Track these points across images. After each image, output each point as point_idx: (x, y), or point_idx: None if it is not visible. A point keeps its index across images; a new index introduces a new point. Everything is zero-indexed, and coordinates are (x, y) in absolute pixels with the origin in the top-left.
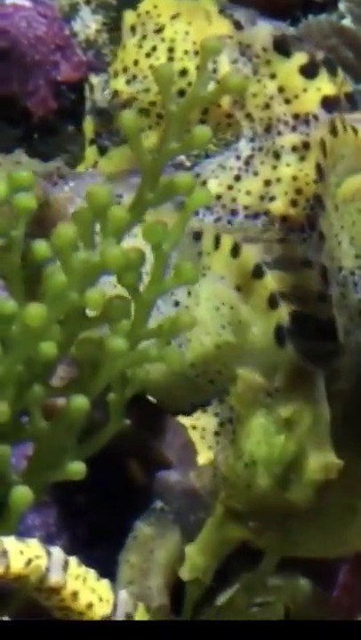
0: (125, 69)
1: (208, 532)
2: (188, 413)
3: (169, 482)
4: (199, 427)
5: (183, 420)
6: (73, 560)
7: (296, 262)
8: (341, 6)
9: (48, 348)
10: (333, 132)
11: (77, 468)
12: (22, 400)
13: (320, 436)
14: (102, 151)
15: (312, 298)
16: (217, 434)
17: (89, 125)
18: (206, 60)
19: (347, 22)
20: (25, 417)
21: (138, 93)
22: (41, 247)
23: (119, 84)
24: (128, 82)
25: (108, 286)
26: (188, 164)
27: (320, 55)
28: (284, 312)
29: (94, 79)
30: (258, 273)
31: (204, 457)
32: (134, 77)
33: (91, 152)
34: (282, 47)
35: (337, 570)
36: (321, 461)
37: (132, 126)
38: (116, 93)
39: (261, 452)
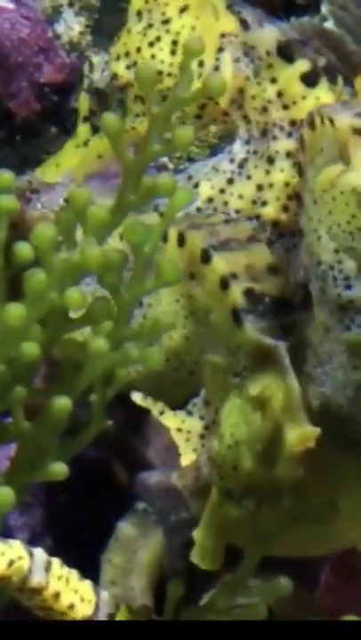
0: (127, 54)
1: (209, 515)
2: (181, 407)
3: (150, 483)
4: (184, 429)
5: (168, 422)
6: (55, 561)
7: (243, 241)
8: (324, 9)
9: (30, 348)
10: (312, 125)
11: (60, 469)
12: (5, 401)
13: (293, 409)
14: (95, 130)
15: (262, 273)
16: (202, 437)
17: (84, 102)
18: (189, 61)
19: (329, 25)
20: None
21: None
22: (24, 249)
23: (119, 67)
24: (128, 67)
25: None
26: (170, 165)
27: (322, 62)
28: (237, 293)
29: (95, 58)
30: (205, 258)
31: (186, 459)
32: (135, 64)
33: (83, 129)
34: (285, 53)
35: (319, 570)
36: (298, 433)
37: (114, 128)
38: (115, 76)
39: (241, 432)
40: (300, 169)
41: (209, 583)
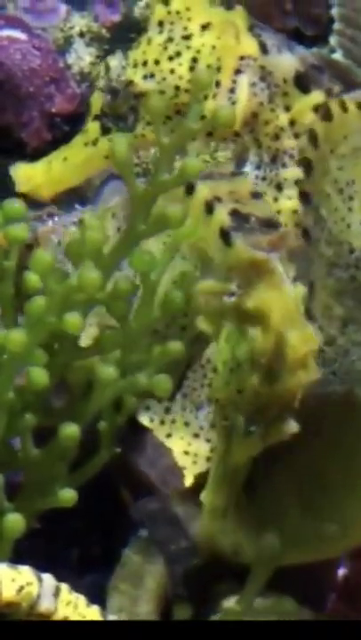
0: (145, 63)
1: (216, 469)
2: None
3: (151, 510)
4: (191, 452)
5: (175, 445)
6: (64, 587)
7: (226, 175)
8: (332, 40)
9: (38, 375)
10: (327, 117)
11: (68, 496)
12: (14, 428)
13: (292, 315)
14: (104, 130)
15: (246, 198)
16: (209, 459)
17: (97, 101)
18: (198, 94)
19: (337, 56)
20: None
21: (150, 92)
22: (33, 277)
23: (136, 75)
24: (145, 77)
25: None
26: None
27: (337, 90)
28: (223, 214)
29: (112, 61)
30: (189, 189)
31: (189, 480)
32: (152, 75)
33: (93, 127)
34: (302, 82)
35: (326, 594)
36: (299, 335)
37: (124, 159)
38: (130, 82)
39: (242, 351)
40: (307, 166)
41: (214, 606)
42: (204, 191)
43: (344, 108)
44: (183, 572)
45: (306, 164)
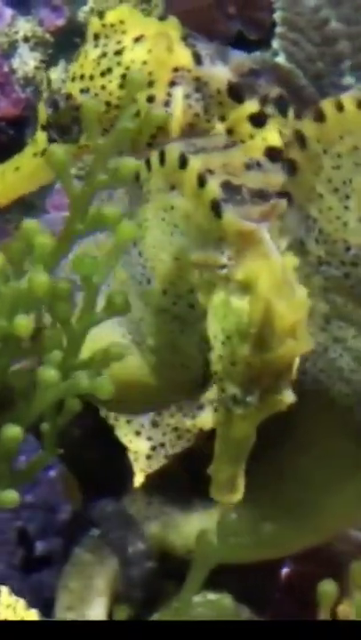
0: (82, 77)
1: (220, 444)
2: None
3: (107, 511)
4: (132, 450)
5: (126, 441)
6: (4, 589)
7: (219, 148)
8: (275, 44)
9: None
10: (319, 118)
11: (11, 497)
12: None
13: (279, 284)
14: (51, 142)
15: (239, 170)
16: (149, 457)
17: (42, 112)
18: (132, 92)
19: (280, 60)
20: None
21: None
22: None
23: (75, 88)
24: (82, 90)
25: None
26: None
27: (274, 93)
28: (214, 185)
29: (53, 74)
30: (182, 163)
31: (137, 480)
32: (87, 90)
33: (41, 137)
34: (235, 93)
35: (268, 593)
36: (286, 305)
37: (59, 161)
38: (70, 95)
39: (230, 323)
40: (291, 167)
41: (154, 605)
42: (197, 164)
43: (340, 108)
44: (140, 576)
45: (290, 165)
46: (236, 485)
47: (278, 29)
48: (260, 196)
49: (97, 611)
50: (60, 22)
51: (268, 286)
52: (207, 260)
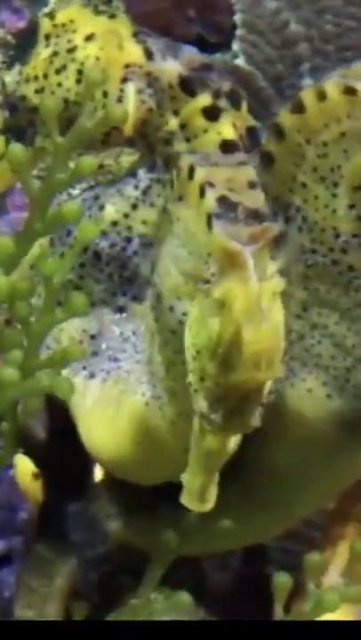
0: (36, 78)
1: (193, 451)
2: None
3: (69, 511)
4: None
5: None
6: None
7: (232, 164)
8: (235, 46)
9: None
10: (297, 109)
11: None
12: None
13: (252, 310)
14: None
15: (242, 187)
16: None
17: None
18: (90, 90)
19: (240, 62)
20: None
21: None
22: None
23: (29, 90)
24: (37, 91)
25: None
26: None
27: (226, 87)
28: (211, 198)
29: (7, 77)
30: (191, 174)
31: (98, 475)
32: (42, 89)
33: (0, 142)
34: (187, 87)
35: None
36: (253, 333)
37: (18, 160)
38: (24, 97)
39: (202, 339)
40: (266, 159)
41: (113, 601)
42: (201, 175)
43: (321, 97)
44: (98, 579)
45: (266, 157)
46: (207, 496)
47: (238, 32)
48: (255, 216)
49: (56, 609)
50: (21, 24)
51: (240, 310)
52: (195, 271)
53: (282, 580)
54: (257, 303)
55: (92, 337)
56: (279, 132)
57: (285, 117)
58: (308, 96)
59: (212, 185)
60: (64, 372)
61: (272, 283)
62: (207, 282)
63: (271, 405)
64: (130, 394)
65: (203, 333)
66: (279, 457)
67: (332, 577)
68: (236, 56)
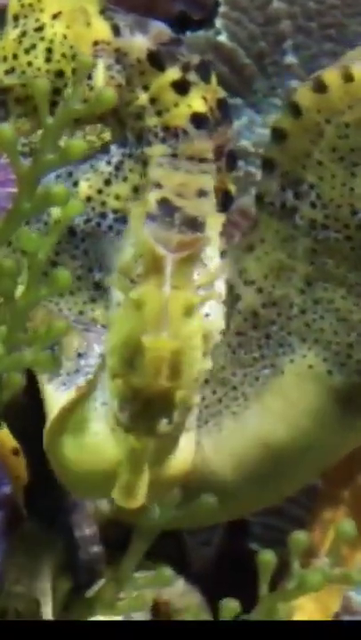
0: (5, 59)
1: (121, 448)
2: None
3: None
4: None
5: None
6: None
7: (195, 168)
8: (218, 23)
9: None
10: (320, 88)
11: None
12: None
13: (157, 320)
14: None
15: (191, 193)
16: None
17: None
18: (81, 76)
19: (223, 39)
20: None
21: (15, 86)
22: None
23: None
24: (7, 72)
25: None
26: None
27: (195, 60)
28: (152, 199)
29: None
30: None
31: None
32: (13, 70)
33: None
34: (156, 61)
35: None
36: (152, 341)
37: (8, 138)
38: None
39: (114, 337)
40: (279, 135)
41: (95, 576)
42: (154, 174)
43: (347, 78)
44: (85, 560)
45: (278, 133)
46: (134, 493)
47: (221, 9)
48: (191, 224)
49: (44, 584)
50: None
51: (146, 316)
52: (127, 269)
53: (266, 558)
54: (163, 311)
55: (79, 355)
56: (295, 110)
57: (304, 95)
58: (332, 76)
59: (160, 186)
60: (48, 388)
61: (188, 294)
62: (133, 281)
63: (269, 380)
64: (87, 400)
65: (115, 332)
66: (276, 431)
67: (323, 561)
68: (218, 33)
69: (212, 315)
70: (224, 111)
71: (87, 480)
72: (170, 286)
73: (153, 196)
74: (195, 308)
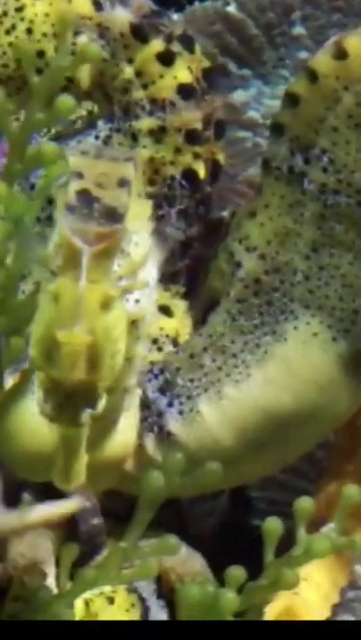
0: None
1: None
2: None
3: None
4: None
5: None
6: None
7: (117, 158)
8: None
9: None
10: (340, 55)
11: None
12: None
13: (70, 312)
14: None
15: (112, 183)
16: None
17: None
18: (66, 31)
19: (231, 9)
20: None
21: None
22: None
23: None
24: None
25: None
26: None
27: (178, 31)
28: (72, 189)
29: None
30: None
31: None
32: None
33: None
34: (139, 34)
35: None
36: (65, 334)
37: None
38: None
39: (35, 331)
40: (291, 99)
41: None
42: (74, 163)
43: None
44: (92, 552)
45: (290, 98)
46: (70, 476)
47: None
48: (110, 216)
49: (48, 554)
50: None
51: (63, 310)
52: (46, 259)
53: (272, 526)
54: (77, 305)
55: None
56: (312, 75)
57: (322, 62)
58: (353, 43)
59: (80, 176)
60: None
61: (105, 287)
62: (52, 272)
63: (271, 348)
64: (28, 383)
65: (36, 325)
66: (280, 400)
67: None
68: (227, 3)
69: (142, 300)
70: (211, 80)
71: (29, 462)
72: (86, 280)
73: (73, 187)
74: (112, 300)
